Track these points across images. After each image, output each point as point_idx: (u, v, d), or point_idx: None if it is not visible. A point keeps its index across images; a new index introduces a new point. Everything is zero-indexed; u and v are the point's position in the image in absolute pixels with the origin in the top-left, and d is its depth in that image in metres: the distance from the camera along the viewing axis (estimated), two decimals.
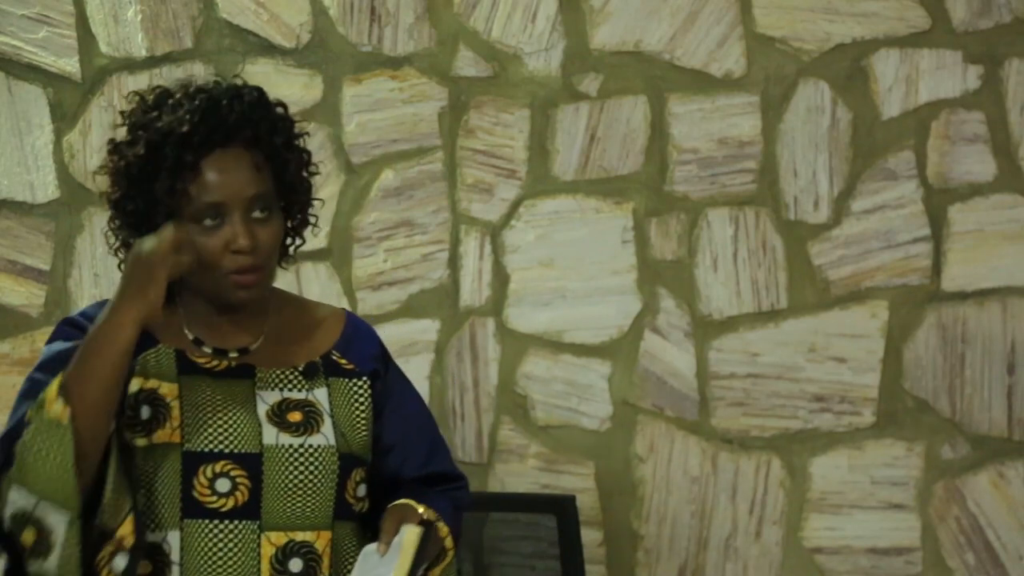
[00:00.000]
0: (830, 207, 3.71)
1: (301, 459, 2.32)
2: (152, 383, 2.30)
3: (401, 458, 2.44)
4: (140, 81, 3.72)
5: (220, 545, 2.27)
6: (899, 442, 3.70)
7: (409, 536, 2.25)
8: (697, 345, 3.72)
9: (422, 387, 3.73)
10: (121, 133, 2.34)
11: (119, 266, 2.33)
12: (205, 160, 2.28)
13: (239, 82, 2.39)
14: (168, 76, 3.72)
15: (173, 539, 2.26)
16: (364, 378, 2.42)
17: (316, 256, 3.75)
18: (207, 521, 2.27)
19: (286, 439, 2.32)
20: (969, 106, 3.69)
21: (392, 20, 3.74)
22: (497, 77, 3.73)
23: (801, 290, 3.71)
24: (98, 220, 3.73)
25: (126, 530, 2.23)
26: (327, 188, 3.74)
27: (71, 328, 2.33)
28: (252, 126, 2.33)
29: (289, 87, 3.73)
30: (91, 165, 3.73)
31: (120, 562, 2.22)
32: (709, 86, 3.71)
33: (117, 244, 2.36)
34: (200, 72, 3.73)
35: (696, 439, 3.72)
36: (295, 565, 2.30)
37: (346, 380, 2.41)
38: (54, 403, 2.18)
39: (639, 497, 3.72)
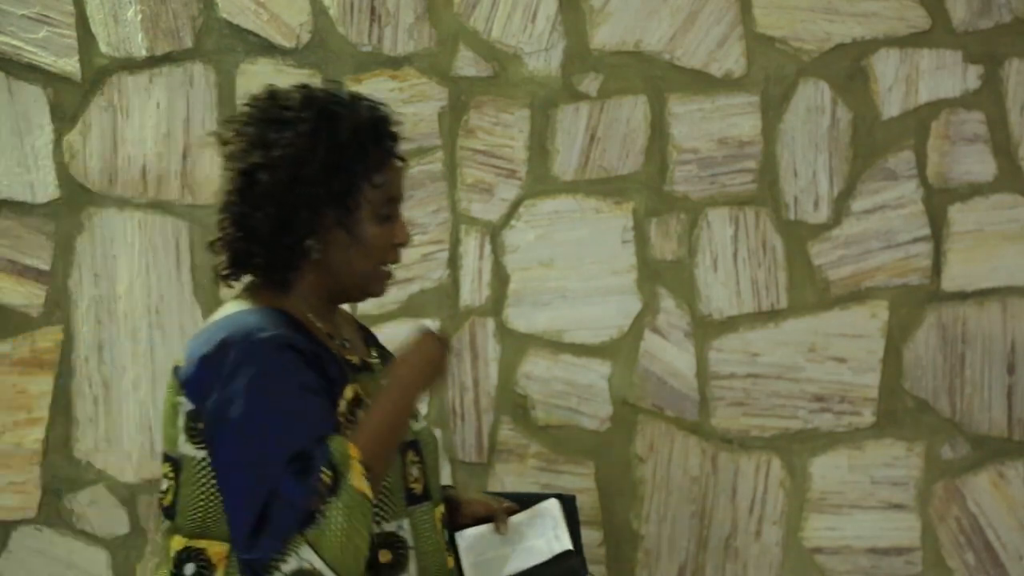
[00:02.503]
0: (830, 207, 3.71)
1: (428, 438, 2.50)
2: (354, 386, 2.38)
3: None
4: (140, 81, 3.72)
5: (428, 526, 2.40)
6: (899, 442, 3.71)
7: (557, 507, 2.49)
8: (697, 345, 3.72)
9: None
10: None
11: (233, 259, 2.40)
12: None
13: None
14: (168, 76, 3.73)
15: (406, 525, 2.36)
16: None
17: None
18: (417, 506, 2.41)
19: (417, 424, 2.48)
20: (969, 106, 3.69)
21: (392, 20, 3.74)
22: (497, 77, 3.73)
23: (801, 290, 3.72)
24: (98, 220, 3.74)
25: None
26: None
27: (297, 353, 2.30)
28: None
29: None
30: (91, 165, 3.73)
31: None
32: (709, 86, 3.71)
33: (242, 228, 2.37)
34: (200, 71, 3.74)
35: (696, 439, 3.72)
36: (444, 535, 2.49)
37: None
38: (361, 482, 2.22)
39: (639, 497, 3.72)
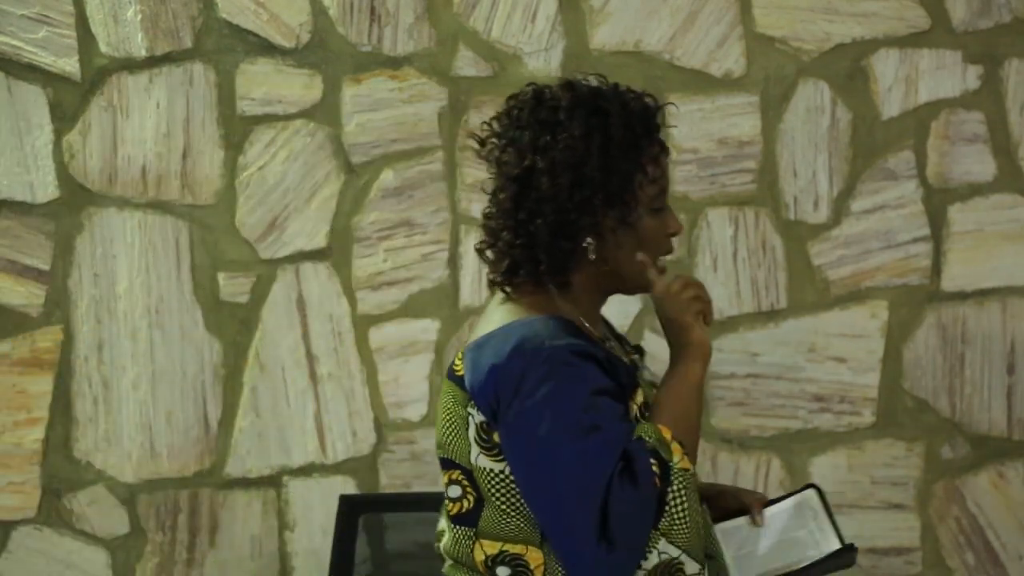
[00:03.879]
0: (830, 207, 3.71)
1: None
2: (642, 389, 2.33)
3: None
4: (140, 81, 3.72)
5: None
6: (899, 442, 3.71)
7: (815, 497, 2.41)
8: None
9: (422, 387, 3.73)
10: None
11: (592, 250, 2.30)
12: None
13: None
14: (168, 76, 3.72)
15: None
16: None
17: (316, 256, 3.75)
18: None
19: None
20: (969, 106, 3.69)
21: (392, 20, 3.74)
22: (497, 77, 3.72)
23: (801, 290, 3.72)
24: (98, 220, 3.73)
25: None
26: (327, 188, 3.74)
27: (587, 361, 2.25)
28: None
29: (289, 87, 3.73)
30: (91, 165, 3.73)
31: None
32: (709, 86, 3.71)
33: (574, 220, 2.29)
34: (200, 71, 3.73)
35: None
36: None
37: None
38: (684, 460, 2.22)
39: None
